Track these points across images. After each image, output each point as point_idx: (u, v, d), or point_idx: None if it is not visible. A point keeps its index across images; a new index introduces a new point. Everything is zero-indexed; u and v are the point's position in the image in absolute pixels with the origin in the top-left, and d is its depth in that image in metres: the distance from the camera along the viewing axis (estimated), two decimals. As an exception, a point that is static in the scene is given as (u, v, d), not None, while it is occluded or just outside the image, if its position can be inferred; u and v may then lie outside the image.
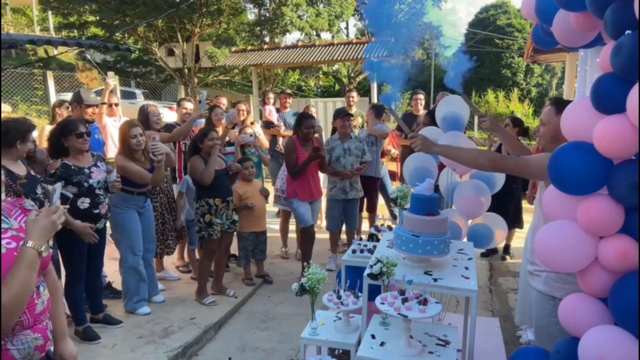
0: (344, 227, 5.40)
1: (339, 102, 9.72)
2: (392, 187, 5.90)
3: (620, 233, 1.63)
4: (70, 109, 4.63)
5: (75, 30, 19.67)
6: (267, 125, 6.86)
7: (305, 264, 2.76)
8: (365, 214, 5.82)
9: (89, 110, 4.43)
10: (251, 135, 5.28)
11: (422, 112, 6.33)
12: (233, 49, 15.48)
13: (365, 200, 5.60)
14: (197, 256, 4.79)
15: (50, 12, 21.19)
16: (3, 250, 1.51)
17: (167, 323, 3.89)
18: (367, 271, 2.52)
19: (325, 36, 21.33)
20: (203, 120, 5.23)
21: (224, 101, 6.04)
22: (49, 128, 4.32)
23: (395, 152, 6.38)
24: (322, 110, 10.41)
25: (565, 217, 1.76)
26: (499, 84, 23.92)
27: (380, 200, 6.02)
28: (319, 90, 24.87)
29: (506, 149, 3.44)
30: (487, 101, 21.31)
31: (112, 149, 5.10)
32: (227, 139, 5.01)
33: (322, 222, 6.36)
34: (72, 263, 3.48)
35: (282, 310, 4.33)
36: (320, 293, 2.69)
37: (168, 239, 4.59)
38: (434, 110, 4.78)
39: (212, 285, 4.47)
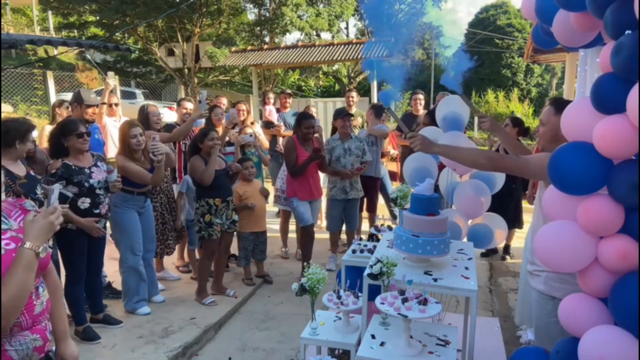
0: (344, 227, 5.40)
1: (339, 102, 9.72)
2: (392, 187, 5.91)
3: (620, 233, 1.63)
4: (70, 109, 4.63)
5: (75, 30, 19.67)
6: (267, 125, 6.86)
7: (305, 264, 2.76)
8: (365, 214, 5.82)
9: (90, 110, 4.43)
10: (251, 136, 5.28)
11: (421, 112, 6.33)
12: (233, 49, 15.49)
13: (365, 200, 5.60)
14: (197, 256, 4.79)
15: (50, 12, 21.19)
16: (2, 252, 1.51)
17: (167, 323, 3.89)
18: (367, 271, 2.52)
19: (325, 36, 21.35)
20: (203, 120, 5.23)
21: (224, 101, 6.04)
22: (49, 128, 4.32)
23: (394, 152, 6.38)
24: (322, 110, 10.41)
25: (565, 217, 1.76)
26: (499, 84, 23.92)
27: (380, 200, 6.02)
28: (319, 90, 24.87)
29: (506, 149, 3.44)
30: (487, 101, 21.31)
31: (112, 149, 5.10)
32: (227, 139, 5.01)
33: (322, 222, 6.36)
34: (72, 263, 3.48)
35: (282, 310, 4.33)
36: (320, 293, 2.69)
37: (168, 239, 4.59)
38: (434, 110, 4.78)
39: (212, 285, 4.47)
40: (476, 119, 14.53)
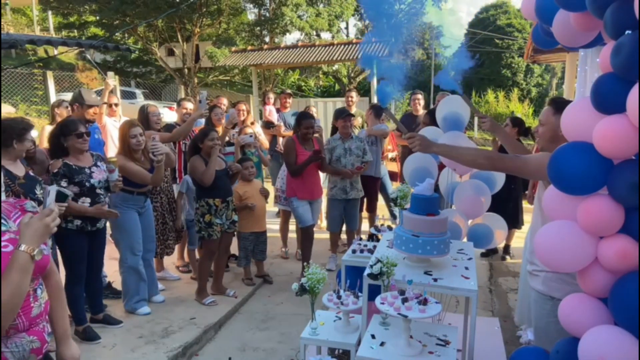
0: (344, 227, 5.40)
1: (339, 102, 9.73)
2: (392, 187, 5.91)
3: (620, 233, 1.63)
4: (69, 109, 4.63)
5: (75, 30, 19.68)
6: (267, 125, 6.86)
7: (305, 264, 2.76)
8: (365, 214, 5.82)
9: (91, 110, 4.44)
10: (251, 136, 5.28)
11: (421, 112, 6.33)
12: (233, 49, 15.50)
13: (365, 200, 5.60)
14: (197, 256, 4.79)
15: (50, 12, 21.19)
16: (0, 254, 1.49)
17: (167, 323, 3.89)
18: (367, 271, 2.52)
19: (325, 36, 21.34)
20: (203, 120, 5.23)
21: (224, 101, 6.04)
22: (49, 128, 4.32)
23: (392, 154, 6.39)
24: (322, 110, 10.42)
25: (565, 217, 1.76)
26: (499, 84, 23.94)
27: (380, 200, 6.02)
28: (319, 90, 24.87)
29: (506, 149, 3.44)
30: (487, 101, 21.33)
31: (112, 149, 5.10)
32: (227, 139, 5.01)
33: (323, 222, 6.36)
34: (72, 263, 3.48)
35: (282, 310, 4.33)
36: (320, 293, 2.69)
37: (168, 239, 4.59)
38: (434, 110, 4.78)
39: (212, 285, 4.47)
40: (476, 119, 14.54)
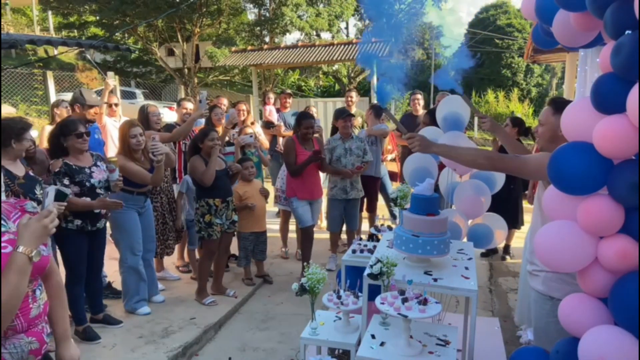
0: (344, 227, 5.40)
1: (339, 102, 9.73)
2: (392, 187, 5.90)
3: (620, 233, 1.63)
4: (68, 109, 4.63)
5: (75, 30, 19.69)
6: (267, 125, 6.86)
7: (305, 264, 2.76)
8: (365, 214, 5.82)
9: (92, 110, 4.45)
10: (251, 136, 5.28)
11: (421, 112, 6.33)
12: (233, 49, 15.50)
13: (365, 200, 5.60)
14: (197, 256, 4.79)
15: (50, 12, 21.20)
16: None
17: (167, 323, 3.89)
18: (367, 271, 2.52)
19: (325, 36, 21.35)
20: (203, 120, 5.23)
21: (224, 101, 6.03)
22: (48, 128, 4.32)
23: (391, 156, 6.40)
24: (322, 110, 10.42)
25: (565, 217, 1.76)
26: (499, 84, 23.95)
27: (380, 200, 6.02)
28: (319, 90, 24.88)
29: (506, 149, 3.44)
30: (487, 101, 21.33)
31: (112, 149, 5.09)
32: (227, 139, 5.01)
33: (323, 222, 6.36)
34: (72, 263, 3.48)
35: (282, 310, 4.33)
36: (320, 293, 2.69)
37: (168, 239, 4.59)
38: (434, 109, 4.78)
39: (212, 285, 4.47)
40: (476, 119, 14.55)
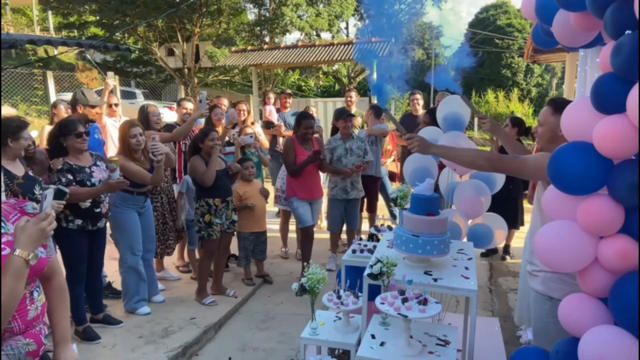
0: (344, 227, 5.40)
1: (339, 102, 9.72)
2: (392, 187, 5.90)
3: (620, 233, 1.63)
4: (67, 109, 4.63)
5: (75, 30, 19.69)
6: (267, 125, 6.86)
7: (305, 264, 2.76)
8: (365, 214, 5.82)
9: (94, 110, 4.46)
10: (251, 136, 5.28)
11: (421, 112, 6.33)
12: (233, 49, 15.50)
13: (365, 200, 5.60)
14: (197, 256, 4.79)
15: (50, 12, 21.20)
16: None
17: (167, 323, 3.89)
18: (367, 271, 2.52)
19: (325, 36, 21.35)
20: (203, 120, 5.23)
21: (224, 102, 6.03)
22: (48, 128, 4.32)
23: (390, 159, 6.40)
24: (322, 110, 10.41)
25: (565, 217, 1.76)
26: (499, 84, 23.97)
27: (380, 200, 6.02)
28: (319, 90, 24.89)
29: (506, 150, 3.44)
30: (487, 101, 21.34)
31: (112, 149, 5.09)
32: (227, 139, 5.01)
33: (323, 222, 6.36)
34: (72, 263, 3.48)
35: (282, 310, 4.33)
36: (320, 293, 2.69)
37: (169, 239, 4.59)
38: (434, 109, 4.78)
39: (212, 285, 4.47)
40: (476, 119, 14.55)
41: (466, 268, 2.72)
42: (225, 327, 4.06)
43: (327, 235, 5.42)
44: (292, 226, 5.75)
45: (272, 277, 5.00)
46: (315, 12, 18.70)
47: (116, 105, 5.54)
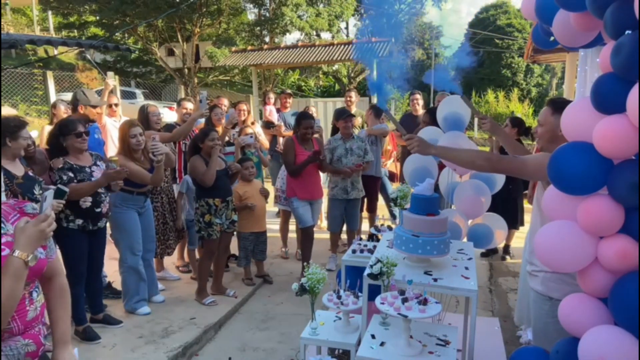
0: (344, 227, 5.40)
1: (339, 102, 9.72)
2: (392, 187, 5.90)
3: (620, 233, 1.63)
4: (66, 109, 4.64)
5: (75, 30, 19.70)
6: (268, 125, 6.86)
7: (305, 264, 2.76)
8: (365, 214, 5.82)
9: (95, 110, 4.47)
10: (251, 136, 5.28)
11: (420, 112, 6.33)
12: (233, 49, 15.51)
13: (365, 200, 5.60)
14: (197, 256, 4.79)
15: (50, 12, 21.20)
16: None
17: (167, 323, 3.89)
18: (367, 271, 2.52)
19: (325, 36, 21.35)
20: (203, 120, 5.23)
21: (225, 102, 6.03)
22: (48, 128, 4.32)
23: (390, 161, 6.40)
24: (322, 110, 10.41)
25: (565, 217, 1.76)
26: (499, 84, 23.98)
27: (380, 200, 6.02)
28: (319, 90, 24.89)
29: (506, 150, 3.44)
30: (487, 101, 21.34)
31: (112, 149, 5.10)
32: (227, 138, 5.01)
33: (323, 222, 6.36)
34: (72, 263, 3.48)
35: (282, 310, 4.33)
36: (320, 293, 2.69)
37: (169, 239, 4.59)
38: (434, 109, 4.78)
39: (212, 285, 4.46)
40: (476, 119, 14.55)
41: (466, 268, 2.72)
42: (225, 327, 4.06)
43: (327, 235, 5.42)
44: (292, 226, 5.75)
45: (272, 277, 5.00)
46: (315, 12, 18.71)
47: (116, 105, 5.54)
